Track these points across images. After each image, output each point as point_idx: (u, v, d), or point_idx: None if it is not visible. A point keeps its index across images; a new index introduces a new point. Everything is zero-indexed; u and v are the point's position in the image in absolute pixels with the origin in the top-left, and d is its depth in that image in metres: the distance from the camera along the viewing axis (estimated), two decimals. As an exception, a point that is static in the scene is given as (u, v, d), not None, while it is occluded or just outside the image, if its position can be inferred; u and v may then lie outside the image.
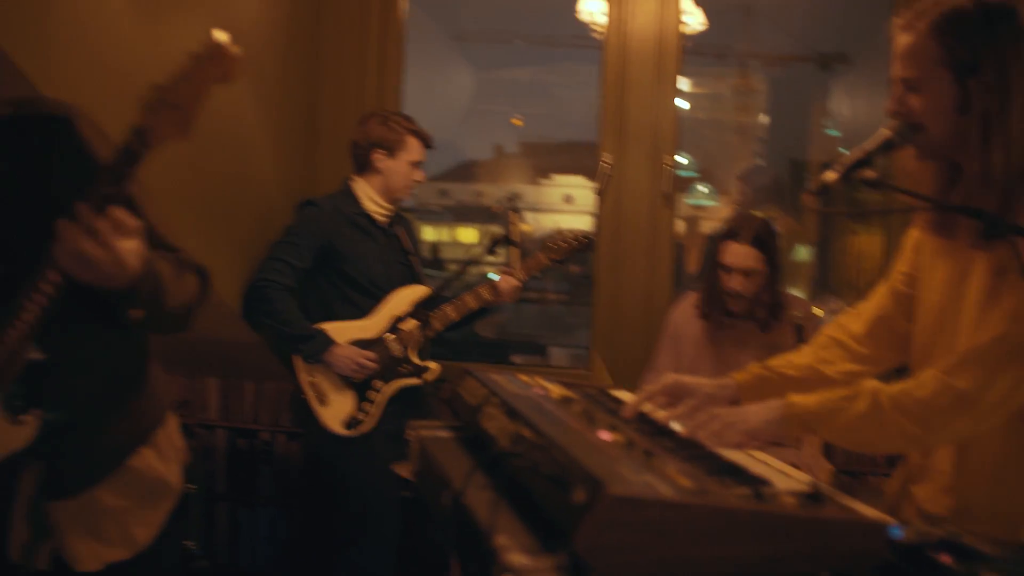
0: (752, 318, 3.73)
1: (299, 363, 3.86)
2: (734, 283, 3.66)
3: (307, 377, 3.86)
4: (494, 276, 3.92)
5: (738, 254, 3.65)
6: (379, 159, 3.97)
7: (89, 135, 1.91)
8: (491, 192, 5.31)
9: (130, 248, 1.70)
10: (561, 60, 5.28)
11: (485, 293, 3.91)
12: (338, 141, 4.73)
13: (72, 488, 1.98)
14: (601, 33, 4.80)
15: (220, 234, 3.80)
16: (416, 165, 3.98)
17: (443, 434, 2.70)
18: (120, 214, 1.67)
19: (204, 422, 4.74)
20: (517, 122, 5.20)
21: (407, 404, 3.93)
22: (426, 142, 4.01)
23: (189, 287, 1.95)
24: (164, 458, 2.12)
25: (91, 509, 2.00)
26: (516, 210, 3.75)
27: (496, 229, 3.82)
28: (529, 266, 3.92)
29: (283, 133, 4.39)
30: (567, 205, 5.12)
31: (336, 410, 3.87)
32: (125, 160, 1.65)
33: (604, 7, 4.76)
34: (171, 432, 2.16)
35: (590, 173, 4.93)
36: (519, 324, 4.72)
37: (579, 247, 4.00)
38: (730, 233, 3.68)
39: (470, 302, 3.90)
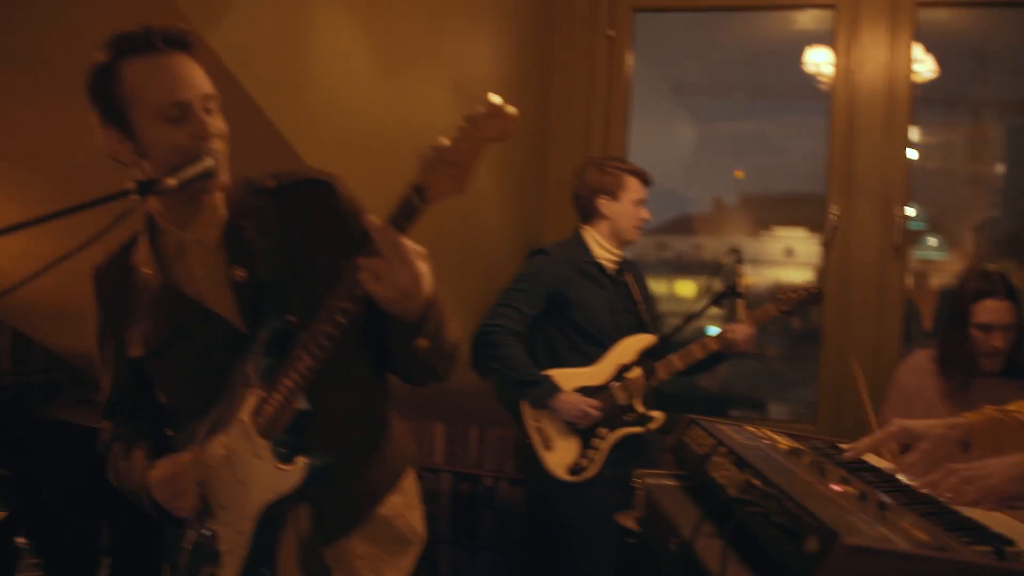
0: (1003, 374, 3.60)
1: (526, 408, 3.95)
2: (995, 341, 3.55)
3: (533, 423, 3.94)
4: (713, 330, 3.90)
5: (997, 311, 3.55)
6: (603, 204, 4.05)
7: (346, 197, 2.06)
8: (710, 245, 5.26)
9: (425, 269, 1.81)
10: (784, 112, 5.21)
11: (711, 343, 3.89)
12: (565, 193, 4.85)
13: (332, 534, 2.08)
14: (827, 84, 4.74)
15: (450, 284, 3.95)
16: (639, 203, 4.04)
17: (669, 482, 2.71)
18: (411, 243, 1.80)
19: (430, 466, 4.89)
20: (739, 174, 5.16)
21: (630, 452, 3.94)
22: (644, 179, 4.07)
23: (455, 329, 2.03)
24: (410, 504, 2.20)
25: (348, 555, 2.10)
26: (741, 261, 3.71)
27: (716, 282, 3.80)
28: (758, 316, 3.88)
29: (511, 185, 4.53)
30: (787, 258, 5.01)
31: (561, 456, 3.92)
32: (403, 216, 1.75)
33: (830, 58, 4.70)
34: (413, 480, 2.24)
35: (812, 225, 4.85)
36: (737, 379, 4.64)
37: (809, 299, 3.93)
38: (985, 291, 3.56)
39: (696, 352, 3.89)
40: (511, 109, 1.67)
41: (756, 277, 5.04)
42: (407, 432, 2.25)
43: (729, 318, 3.89)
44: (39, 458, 4.47)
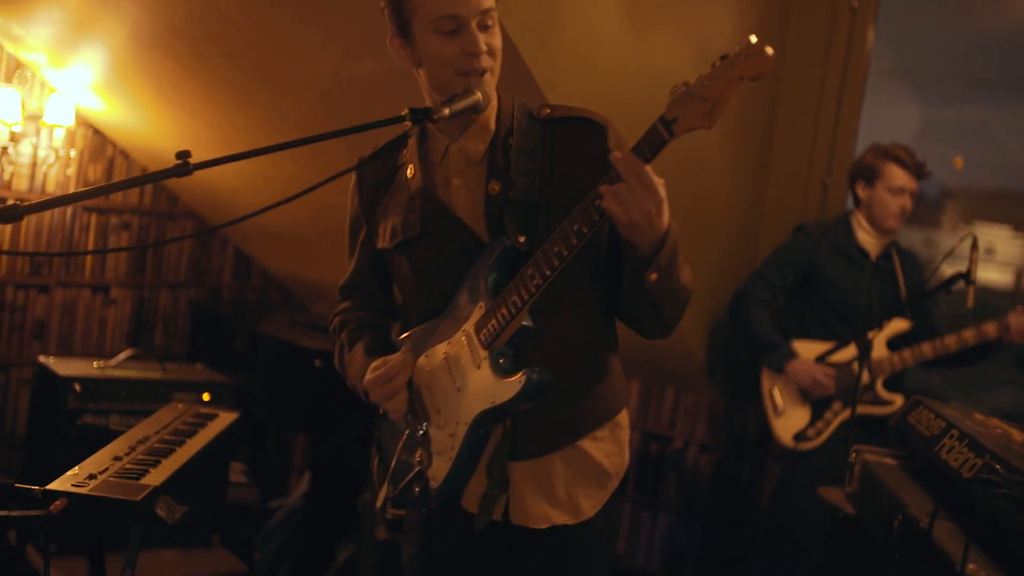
0: None
1: (765, 374, 4.00)
2: None
3: (769, 386, 3.99)
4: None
5: None
6: (860, 189, 3.98)
7: (617, 144, 2.08)
8: (905, 237, 5.06)
9: (665, 199, 1.83)
10: (1011, 100, 4.94)
11: (969, 337, 3.76)
12: (788, 171, 4.77)
13: (530, 451, 2.10)
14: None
15: (689, 253, 3.96)
16: (897, 192, 3.90)
17: (889, 461, 2.67)
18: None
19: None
20: (959, 163, 4.94)
21: (865, 434, 3.86)
22: (909, 167, 3.91)
23: (688, 273, 2.03)
24: (616, 445, 2.20)
25: (545, 473, 2.11)
26: (976, 247, 3.55)
27: (945, 268, 3.65)
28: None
29: (741, 157, 4.48)
30: (987, 256, 4.76)
31: (790, 423, 3.92)
32: (648, 146, 1.77)
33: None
34: (623, 424, 2.25)
35: (1017, 224, 4.64)
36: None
37: None
38: None
39: (951, 344, 3.77)
40: (769, 50, 1.66)
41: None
42: (623, 376, 2.26)
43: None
44: (254, 370, 4.70)
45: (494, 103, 2.07)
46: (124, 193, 4.90)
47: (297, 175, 4.08)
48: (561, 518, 2.12)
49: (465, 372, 2.03)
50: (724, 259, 4.31)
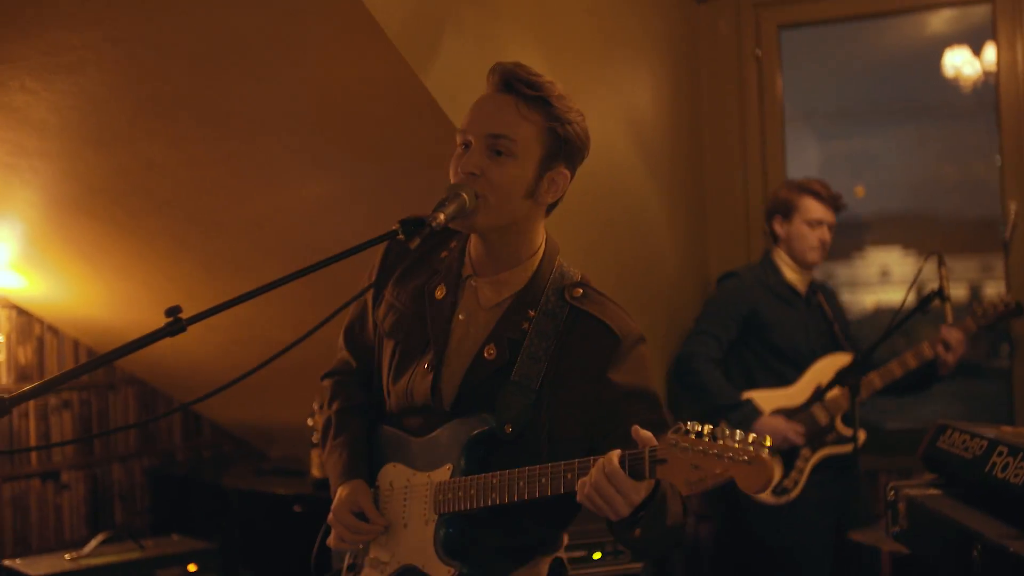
0: None
1: None
2: None
3: None
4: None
5: None
6: (777, 226, 3.99)
7: (622, 358, 2.00)
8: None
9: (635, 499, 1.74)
10: (887, 126, 5.12)
11: (910, 360, 3.76)
12: (725, 217, 4.80)
13: None
14: (968, 85, 4.64)
15: (637, 313, 3.90)
16: (815, 224, 3.92)
17: (932, 491, 2.59)
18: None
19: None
20: (860, 192, 5.06)
21: (833, 473, 3.84)
22: (823, 199, 3.93)
23: (676, 510, 1.90)
24: None
25: None
26: (943, 264, 3.57)
27: (915, 289, 3.65)
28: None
29: (677, 212, 4.48)
30: (883, 279, 4.85)
31: None
32: (631, 471, 1.71)
33: (970, 59, 4.60)
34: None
35: (908, 245, 4.70)
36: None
37: (1007, 312, 3.80)
38: None
39: (896, 370, 3.77)
40: (777, 472, 1.63)
41: (852, 300, 4.91)
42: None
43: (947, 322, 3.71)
44: (230, 529, 4.46)
45: (535, 258, 2.03)
46: (59, 367, 4.66)
47: (245, 319, 3.92)
48: None
49: (414, 516, 2.02)
50: (677, 316, 4.26)
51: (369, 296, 2.18)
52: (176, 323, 1.78)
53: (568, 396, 1.95)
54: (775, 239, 4.03)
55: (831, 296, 4.16)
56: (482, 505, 1.90)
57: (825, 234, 3.95)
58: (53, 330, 4.65)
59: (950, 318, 3.59)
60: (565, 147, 1.97)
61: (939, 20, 4.90)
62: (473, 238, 2.04)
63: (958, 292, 3.91)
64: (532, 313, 1.98)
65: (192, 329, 4.20)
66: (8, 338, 4.45)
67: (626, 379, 1.97)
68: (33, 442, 4.54)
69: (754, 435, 1.64)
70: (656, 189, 4.22)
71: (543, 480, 1.82)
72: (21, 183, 3.54)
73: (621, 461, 1.71)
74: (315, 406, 4.33)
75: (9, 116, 3.13)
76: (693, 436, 1.65)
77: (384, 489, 2.08)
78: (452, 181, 1.94)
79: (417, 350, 2.04)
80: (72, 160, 3.35)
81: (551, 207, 2.04)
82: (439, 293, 2.05)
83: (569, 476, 1.79)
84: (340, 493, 2.06)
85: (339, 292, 2.07)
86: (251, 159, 3.22)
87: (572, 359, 1.97)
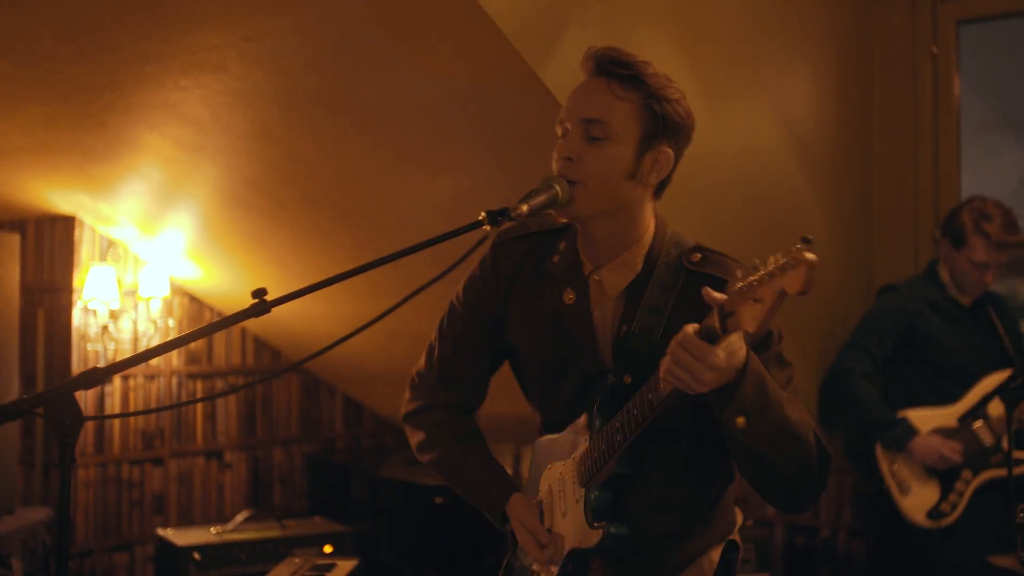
0: None
1: (880, 452, 3.72)
2: None
3: (888, 465, 3.70)
4: None
5: None
6: (944, 247, 3.78)
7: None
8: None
9: (724, 362, 1.66)
10: None
11: None
12: (892, 225, 4.57)
13: None
14: None
15: (790, 323, 3.78)
16: (980, 266, 3.68)
17: (1072, 519, 2.42)
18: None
19: (762, 519, 4.65)
20: None
21: (1000, 496, 3.59)
22: (995, 246, 3.66)
23: (805, 415, 1.82)
24: None
25: None
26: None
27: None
28: None
29: (839, 220, 4.30)
30: None
31: (920, 500, 3.64)
32: (704, 337, 1.64)
33: None
34: (714, 558, 2.03)
35: None
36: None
37: None
38: None
39: None
40: (810, 257, 1.51)
41: None
42: (731, 503, 2.08)
43: None
44: (376, 516, 4.59)
45: (647, 236, 1.98)
46: (226, 355, 4.91)
47: (396, 312, 4.02)
48: None
49: (568, 501, 2.00)
50: (835, 327, 4.09)
51: (482, 319, 2.15)
52: (261, 304, 1.81)
53: None
54: (941, 254, 3.83)
55: (1005, 308, 3.89)
56: (615, 453, 1.84)
57: (988, 276, 3.72)
58: (223, 316, 4.90)
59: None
60: (665, 125, 1.92)
61: None
62: (582, 231, 2.00)
63: None
64: (650, 289, 1.95)
65: (346, 319, 4.36)
66: (180, 323, 4.73)
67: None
68: (200, 422, 4.80)
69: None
70: (815, 193, 4.06)
71: (649, 396, 1.75)
72: (185, 176, 3.75)
73: (695, 331, 1.66)
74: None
75: (168, 112, 3.33)
76: (746, 277, 1.58)
77: (544, 494, 2.07)
78: (553, 166, 1.92)
79: (570, 359, 2.02)
80: (226, 154, 3.53)
81: (659, 188, 1.99)
82: (568, 298, 2.02)
83: (650, 396, 1.74)
84: (511, 510, 2.04)
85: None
86: (386, 153, 3.30)
87: (691, 312, 1.86)
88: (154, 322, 4.60)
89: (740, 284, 1.57)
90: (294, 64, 2.94)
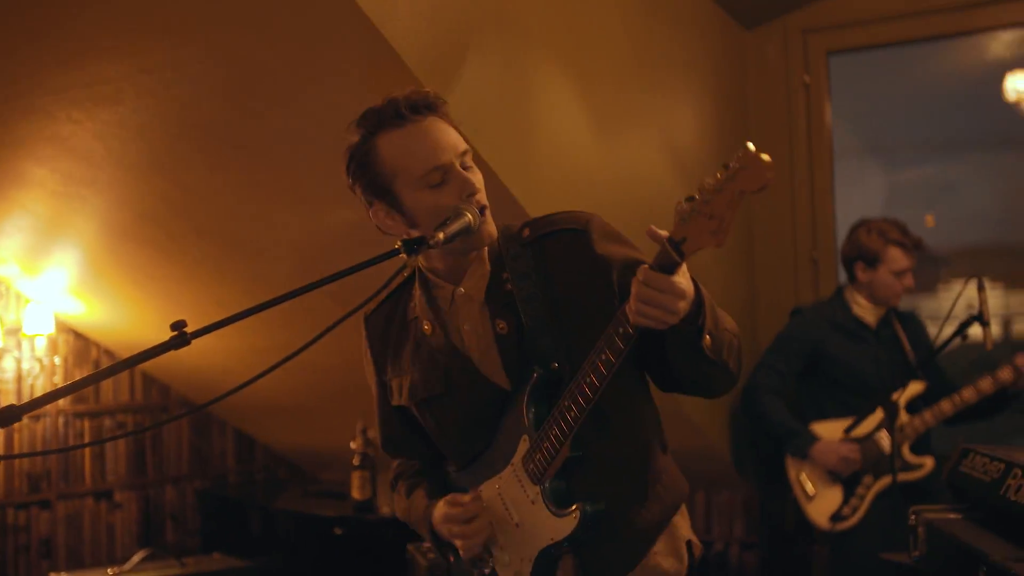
0: None
1: (789, 461, 3.95)
2: None
3: (795, 473, 3.93)
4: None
5: None
6: (860, 271, 3.97)
7: (601, 240, 2.03)
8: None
9: (686, 283, 1.73)
10: (953, 155, 4.99)
11: (985, 386, 3.70)
12: (773, 252, 4.75)
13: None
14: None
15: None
16: (901, 274, 3.92)
17: (952, 515, 2.56)
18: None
19: (656, 536, 4.76)
20: (931, 222, 4.95)
21: (901, 501, 3.77)
22: (909, 249, 3.93)
23: (729, 319, 1.95)
24: (673, 552, 2.09)
25: None
26: (983, 288, 3.52)
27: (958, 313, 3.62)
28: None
29: (726, 255, 4.46)
30: (968, 311, 4.70)
31: (823, 505, 3.86)
32: (660, 269, 1.69)
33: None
34: (680, 525, 2.13)
35: (993, 276, 4.56)
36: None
37: None
38: None
39: (969, 396, 3.72)
40: (765, 157, 1.59)
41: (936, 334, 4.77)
42: (677, 469, 2.15)
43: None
44: (273, 550, 4.54)
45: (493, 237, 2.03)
46: (114, 393, 4.81)
47: (289, 342, 3.98)
48: None
49: (521, 508, 2.00)
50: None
51: (376, 398, 2.22)
52: (180, 337, 1.80)
53: (582, 302, 1.97)
54: (852, 278, 4.02)
55: (913, 325, 4.12)
56: (568, 432, 1.88)
57: (910, 281, 3.95)
58: (109, 353, 4.81)
59: (989, 344, 3.54)
60: None
61: (998, 44, 4.81)
62: (458, 256, 2.03)
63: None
64: (506, 275, 2.02)
65: (240, 354, 4.32)
66: (65, 361, 4.61)
67: (613, 249, 2.01)
68: (88, 462, 4.68)
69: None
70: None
71: (603, 356, 1.79)
72: (73, 210, 3.68)
73: (649, 267, 1.70)
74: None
75: (58, 146, 3.27)
76: (695, 196, 1.63)
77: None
78: (459, 209, 1.92)
79: (460, 382, 2.06)
80: (119, 187, 3.48)
81: None
82: (426, 328, 2.08)
83: (621, 330, 1.76)
84: (435, 515, 2.07)
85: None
86: (283, 185, 3.31)
87: (560, 275, 2.00)
88: (39, 360, 4.48)
89: (687, 208, 1.62)
90: (191, 96, 2.94)
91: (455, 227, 1.88)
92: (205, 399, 5.08)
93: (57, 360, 4.56)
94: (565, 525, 1.92)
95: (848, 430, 3.84)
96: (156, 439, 4.97)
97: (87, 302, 4.40)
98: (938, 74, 4.90)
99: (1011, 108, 4.65)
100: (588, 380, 1.82)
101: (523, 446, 1.97)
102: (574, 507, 1.91)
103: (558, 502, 1.94)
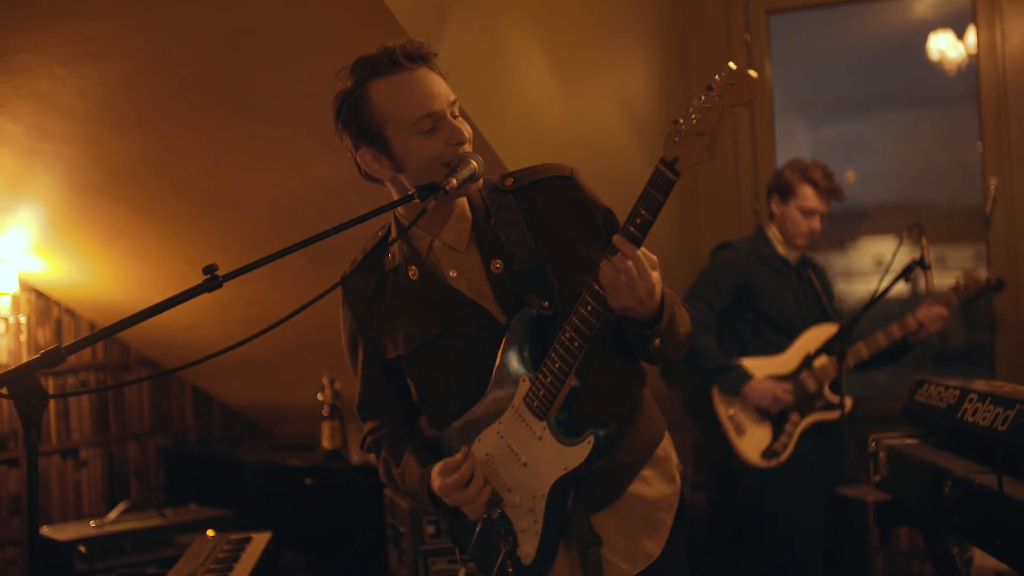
0: None
1: (717, 396, 4.07)
2: None
3: (725, 410, 4.05)
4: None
5: None
6: (774, 204, 4.13)
7: (585, 187, 2.17)
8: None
9: (657, 278, 1.93)
10: (876, 113, 5.22)
11: (896, 331, 3.92)
12: (716, 199, 4.95)
13: (594, 506, 2.12)
14: (953, 70, 4.77)
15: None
16: (808, 213, 4.06)
17: (910, 441, 2.76)
18: (646, 252, 1.91)
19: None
20: (851, 177, 5.18)
21: (822, 439, 4.00)
22: (825, 191, 4.07)
23: (686, 319, 2.16)
24: (664, 478, 2.22)
25: (606, 528, 2.13)
26: (923, 233, 3.73)
27: (899, 258, 3.83)
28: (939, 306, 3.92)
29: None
30: (878, 268, 4.92)
31: (754, 442, 4.01)
32: (657, 190, 1.86)
33: (954, 42, 4.73)
34: (666, 451, 2.26)
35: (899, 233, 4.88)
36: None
37: (989, 287, 3.96)
38: None
39: (881, 340, 3.93)
40: (753, 73, 1.74)
41: (847, 290, 5.02)
42: (654, 404, 2.29)
43: (930, 295, 3.88)
44: (245, 502, 4.61)
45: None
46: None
47: (255, 299, 4.08)
48: (633, 567, 2.13)
49: (527, 446, 2.06)
50: (675, 292, 4.42)
51: (364, 351, 2.27)
52: (213, 280, 1.87)
53: (570, 244, 2.09)
54: (770, 215, 4.18)
55: (820, 271, 4.30)
56: (573, 363, 1.96)
57: (816, 224, 4.08)
58: (71, 312, 4.81)
59: (931, 284, 3.74)
60: None
61: (923, 5, 5.03)
62: (444, 207, 2.10)
63: (952, 281, 4.06)
64: (493, 220, 2.11)
65: (205, 309, 4.37)
66: (28, 319, 4.61)
67: (596, 196, 2.18)
68: (53, 421, 4.71)
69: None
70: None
71: (596, 286, 1.93)
72: (44, 168, 3.69)
73: (644, 195, 1.88)
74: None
75: (36, 102, 3.28)
76: (681, 120, 1.78)
77: (485, 464, 2.11)
78: (441, 157, 2.02)
79: (454, 326, 2.13)
80: (96, 145, 3.50)
81: None
82: (413, 275, 2.14)
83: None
84: (433, 483, 2.10)
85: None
86: (266, 141, 3.37)
87: (548, 218, 2.12)
88: (4, 319, 4.48)
89: (678, 130, 1.78)
90: (179, 55, 2.98)
91: (464, 173, 1.98)
92: (166, 356, 5.14)
93: (23, 319, 4.56)
94: (578, 453, 2.00)
95: (793, 372, 4.01)
96: (118, 397, 5.01)
97: (50, 260, 4.40)
98: (867, 34, 5.11)
99: (934, 67, 4.89)
100: (590, 308, 1.93)
101: (523, 386, 2.05)
102: (587, 434, 1.99)
103: (567, 432, 2.02)
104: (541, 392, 2.01)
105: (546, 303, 2.05)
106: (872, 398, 4.49)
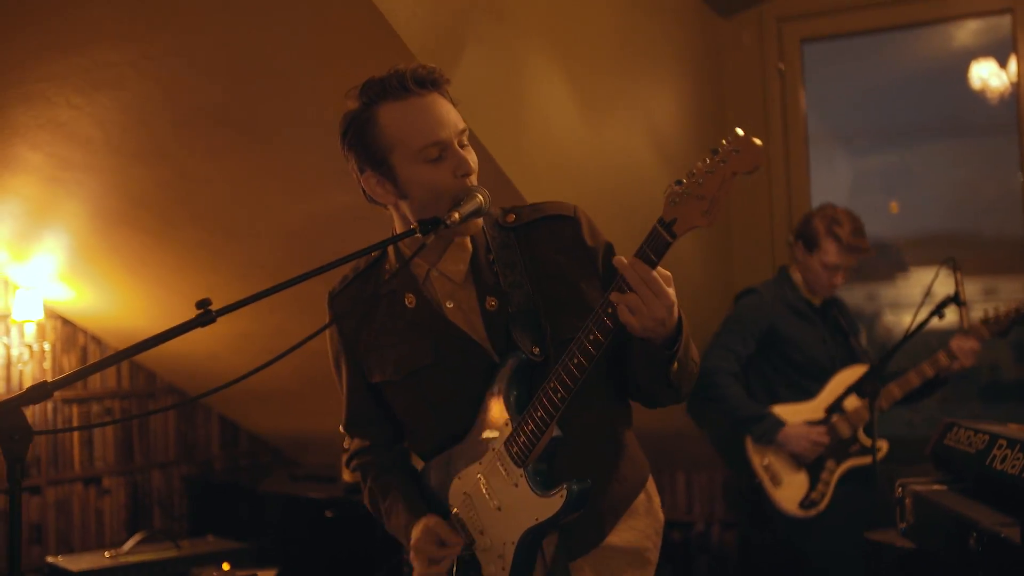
0: None
1: (751, 446, 3.91)
2: None
3: (760, 460, 3.90)
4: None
5: None
6: (799, 251, 4.02)
7: (588, 229, 2.10)
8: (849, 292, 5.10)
9: (674, 296, 1.84)
10: (919, 142, 5.10)
11: (927, 369, 3.79)
12: (750, 235, 4.85)
13: (574, 553, 2.07)
14: (995, 98, 4.66)
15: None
16: (831, 268, 3.92)
17: (937, 487, 2.65)
18: (660, 270, 1.82)
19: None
20: (895, 208, 5.05)
21: (859, 483, 3.86)
22: (848, 248, 3.90)
23: (694, 349, 2.05)
24: (648, 517, 2.16)
25: (585, 575, 2.07)
26: (958, 268, 3.61)
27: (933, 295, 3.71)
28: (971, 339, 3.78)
29: (701, 228, 4.53)
30: (928, 299, 4.78)
31: (791, 492, 3.87)
32: (652, 251, 1.78)
33: (996, 71, 4.62)
34: (649, 493, 2.20)
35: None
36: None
37: (1018, 318, 3.82)
38: None
39: (913, 379, 3.80)
40: (758, 141, 1.68)
41: (895, 321, 4.88)
42: (638, 446, 2.22)
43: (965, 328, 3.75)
44: (263, 533, 4.58)
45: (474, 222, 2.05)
46: (101, 379, 4.83)
47: (279, 326, 4.05)
48: None
49: (503, 491, 2.02)
50: (698, 331, 4.30)
51: (349, 372, 2.21)
52: (206, 315, 1.83)
53: (568, 288, 2.03)
54: (795, 259, 4.08)
55: (843, 309, 4.18)
56: (555, 413, 1.91)
57: (838, 279, 3.96)
58: (96, 340, 4.82)
59: (966, 322, 3.62)
60: None
61: (964, 32, 4.93)
62: (443, 238, 2.05)
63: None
64: (492, 256, 2.06)
65: (231, 344, 4.34)
66: (53, 347, 4.62)
67: (599, 238, 2.10)
68: (77, 448, 4.70)
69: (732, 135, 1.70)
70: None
71: (591, 336, 1.85)
72: (67, 196, 3.70)
73: (639, 254, 1.78)
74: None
75: (56, 131, 3.29)
76: (684, 180, 1.71)
77: (461, 503, 2.09)
78: (445, 188, 1.96)
79: (443, 357, 2.08)
80: (115, 173, 3.51)
81: None
82: (409, 302, 2.09)
83: (611, 310, 1.82)
84: (414, 534, 2.07)
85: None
86: (282, 170, 3.35)
87: (546, 260, 2.05)
88: (29, 346, 4.49)
89: (678, 190, 1.71)
90: (194, 83, 2.98)
91: (469, 208, 1.92)
92: (191, 385, 5.12)
93: (47, 346, 4.57)
94: (550, 506, 1.95)
95: (825, 417, 3.86)
96: (143, 426, 5.00)
97: (76, 288, 4.42)
98: (906, 62, 5.01)
99: (977, 95, 4.78)
100: (576, 361, 1.87)
101: (506, 431, 2.00)
102: (560, 488, 1.94)
103: (543, 483, 1.97)
104: (522, 439, 1.97)
105: (536, 349, 2.00)
106: (908, 438, 4.35)
